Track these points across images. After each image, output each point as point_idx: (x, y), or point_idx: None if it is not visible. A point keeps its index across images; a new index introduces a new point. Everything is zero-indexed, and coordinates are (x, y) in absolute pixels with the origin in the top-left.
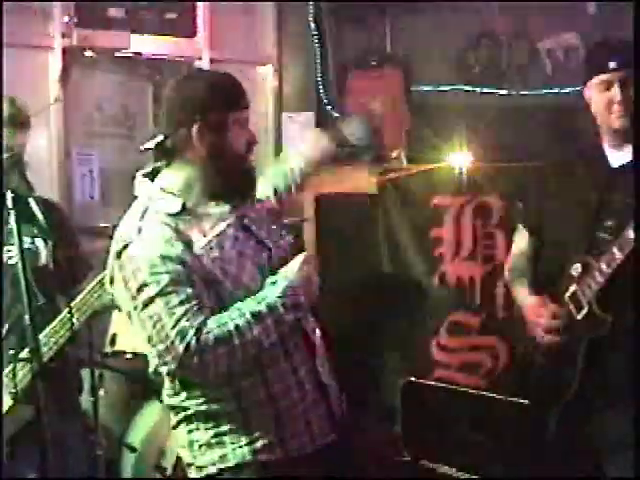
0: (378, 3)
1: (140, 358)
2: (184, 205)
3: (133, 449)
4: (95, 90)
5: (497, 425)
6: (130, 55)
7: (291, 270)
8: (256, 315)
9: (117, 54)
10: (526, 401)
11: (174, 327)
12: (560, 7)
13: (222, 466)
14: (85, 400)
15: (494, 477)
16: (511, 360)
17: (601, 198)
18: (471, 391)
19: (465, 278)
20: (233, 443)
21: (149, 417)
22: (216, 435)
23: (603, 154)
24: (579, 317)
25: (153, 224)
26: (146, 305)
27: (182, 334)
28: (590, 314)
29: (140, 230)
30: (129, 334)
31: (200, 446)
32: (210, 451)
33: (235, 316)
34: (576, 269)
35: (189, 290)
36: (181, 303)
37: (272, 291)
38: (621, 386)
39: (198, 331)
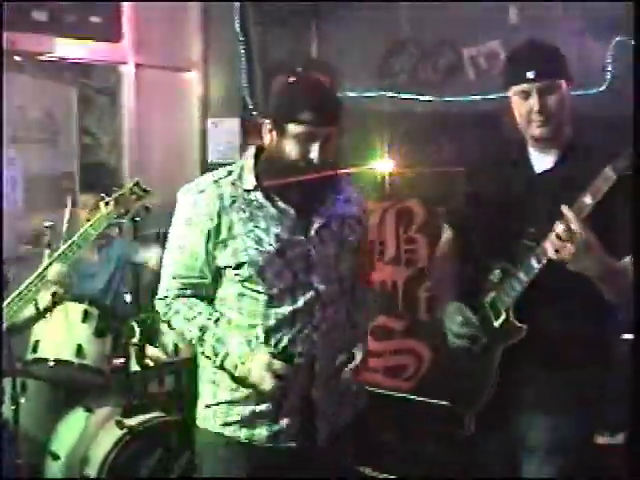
0: (304, 10)
1: (63, 365)
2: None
3: (56, 457)
4: (18, 94)
5: (419, 427)
6: (55, 59)
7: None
8: (202, 340)
9: (41, 58)
10: (446, 403)
11: (165, 277)
12: (483, 16)
13: None
14: (6, 408)
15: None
16: (434, 363)
17: (524, 204)
18: (394, 394)
19: (388, 282)
20: None
21: (73, 425)
22: None
23: (527, 159)
24: (496, 324)
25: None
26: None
27: (161, 289)
28: (507, 321)
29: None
30: (52, 341)
31: None
32: None
33: (193, 326)
34: (495, 276)
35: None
36: (181, 266)
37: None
38: (536, 392)
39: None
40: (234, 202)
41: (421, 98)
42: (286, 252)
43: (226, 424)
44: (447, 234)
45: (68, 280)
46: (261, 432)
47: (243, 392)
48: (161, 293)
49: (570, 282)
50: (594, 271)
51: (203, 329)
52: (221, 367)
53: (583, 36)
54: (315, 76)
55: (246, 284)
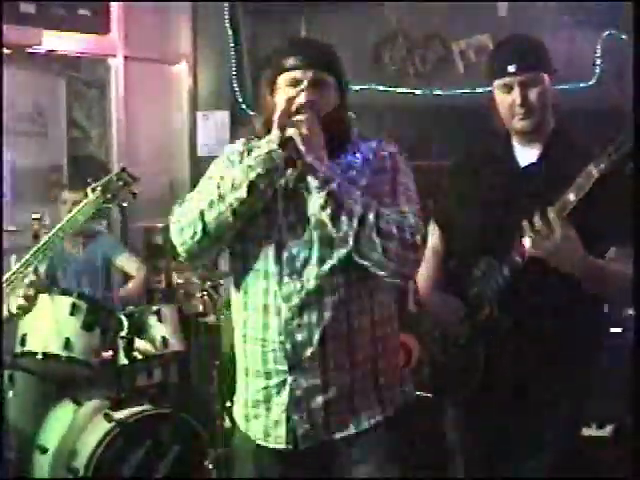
0: (293, 3)
1: (52, 358)
2: None
3: (44, 450)
4: (7, 87)
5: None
6: (43, 52)
7: None
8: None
9: (29, 50)
10: (429, 394)
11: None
12: (473, 9)
13: None
14: None
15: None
16: (422, 354)
17: (508, 198)
18: None
19: None
20: None
21: (61, 418)
22: None
23: (512, 153)
24: (480, 317)
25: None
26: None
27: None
28: (490, 315)
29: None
30: (40, 334)
31: None
32: None
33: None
34: (480, 269)
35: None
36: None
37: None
38: (520, 388)
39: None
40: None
41: (410, 91)
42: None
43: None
44: (432, 228)
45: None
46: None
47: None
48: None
49: (554, 276)
50: (574, 268)
51: (218, 184)
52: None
53: (572, 30)
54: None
55: None
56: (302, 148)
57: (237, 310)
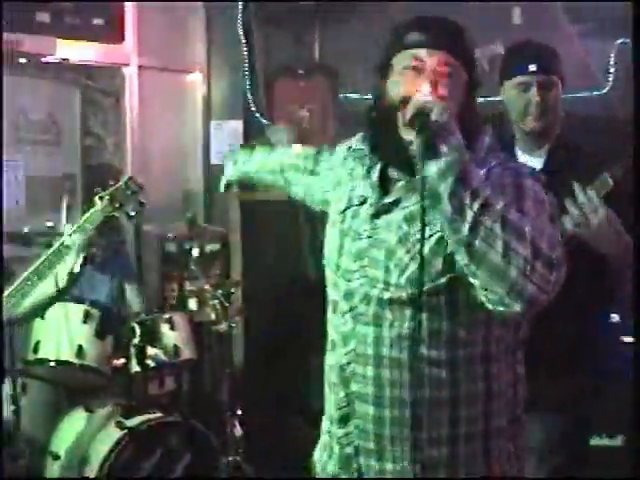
0: (306, 11)
1: (64, 366)
2: None
3: (56, 457)
4: (21, 96)
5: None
6: (57, 61)
7: None
8: None
9: (44, 59)
10: None
11: None
12: (486, 17)
13: None
14: (6, 409)
15: None
16: None
17: None
18: None
19: None
20: None
21: (73, 425)
22: None
23: (515, 160)
24: None
25: None
26: None
27: None
28: None
29: None
30: (52, 341)
31: None
32: None
33: None
34: None
35: None
36: None
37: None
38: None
39: None
40: None
41: None
42: None
43: None
44: None
45: (88, 247)
46: None
47: None
48: None
49: (571, 283)
50: (613, 246)
51: None
52: None
53: (586, 38)
54: None
55: None
56: (437, 110)
57: None
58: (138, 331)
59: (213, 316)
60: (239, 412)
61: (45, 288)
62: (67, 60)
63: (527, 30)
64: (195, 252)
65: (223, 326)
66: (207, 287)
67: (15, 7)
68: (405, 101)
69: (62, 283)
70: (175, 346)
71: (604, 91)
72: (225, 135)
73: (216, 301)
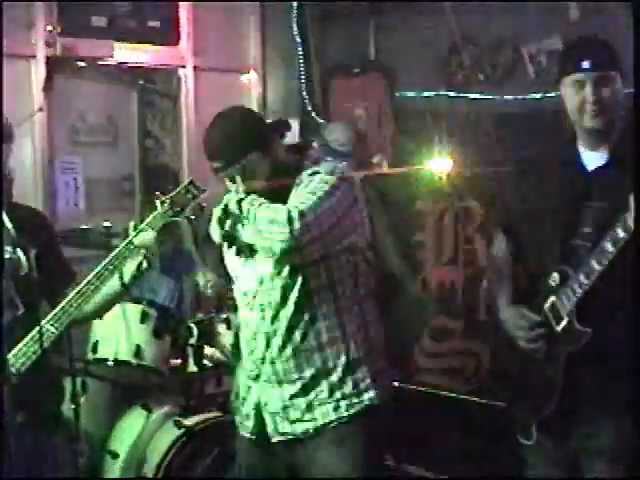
0: (362, 9)
1: (122, 365)
2: None
3: (115, 455)
4: (79, 99)
5: (478, 430)
6: (114, 64)
7: None
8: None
9: (101, 63)
10: (502, 403)
11: None
12: (543, 12)
13: None
14: (67, 408)
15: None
16: (494, 364)
17: (576, 204)
18: (452, 395)
19: (446, 283)
20: None
21: (132, 424)
22: None
23: (579, 158)
24: (558, 329)
25: None
26: None
27: None
28: (569, 326)
29: None
30: (111, 341)
31: None
32: None
33: None
34: (554, 279)
35: None
36: None
37: None
38: (600, 397)
39: None
40: None
41: (480, 97)
42: None
43: None
44: (499, 235)
45: (155, 246)
46: None
47: None
48: None
49: (631, 284)
50: None
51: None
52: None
53: None
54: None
55: None
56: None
57: None
58: (195, 331)
59: None
60: None
61: (109, 288)
62: (124, 63)
63: (585, 26)
64: None
65: None
66: None
67: (71, 12)
68: None
69: (127, 281)
70: (232, 345)
71: None
72: None
73: None
